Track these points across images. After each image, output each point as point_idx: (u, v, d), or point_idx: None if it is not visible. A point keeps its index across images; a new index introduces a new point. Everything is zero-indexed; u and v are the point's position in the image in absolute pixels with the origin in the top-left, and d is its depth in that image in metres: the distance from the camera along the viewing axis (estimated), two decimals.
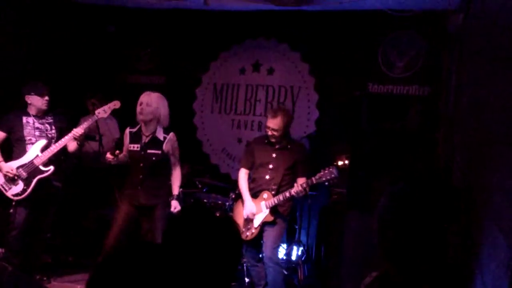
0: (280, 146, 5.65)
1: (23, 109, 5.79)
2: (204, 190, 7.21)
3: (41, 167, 5.67)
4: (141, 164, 5.56)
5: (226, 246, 2.05)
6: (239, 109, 8.10)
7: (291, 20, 7.34)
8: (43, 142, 5.73)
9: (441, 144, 5.94)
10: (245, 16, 7.33)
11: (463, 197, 3.96)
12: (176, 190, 5.70)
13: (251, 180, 5.84)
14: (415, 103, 6.83)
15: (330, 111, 7.56)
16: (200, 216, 2.12)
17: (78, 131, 5.58)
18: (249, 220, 5.64)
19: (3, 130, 5.73)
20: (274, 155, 5.66)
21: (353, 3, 5.97)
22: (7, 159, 5.70)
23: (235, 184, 6.30)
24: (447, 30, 5.96)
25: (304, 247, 6.99)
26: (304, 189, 5.40)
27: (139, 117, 5.57)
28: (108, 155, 5.51)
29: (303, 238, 7.17)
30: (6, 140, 5.77)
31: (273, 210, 5.56)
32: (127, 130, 5.74)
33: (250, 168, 5.86)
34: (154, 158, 5.56)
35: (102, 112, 5.74)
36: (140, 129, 5.64)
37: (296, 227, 6.99)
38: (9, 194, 5.61)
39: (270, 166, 5.64)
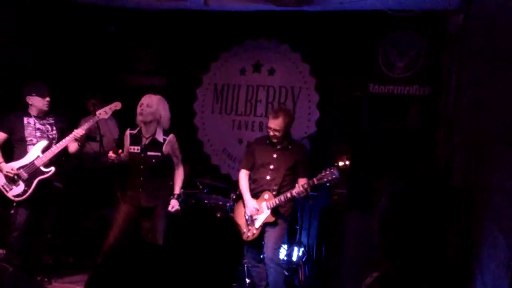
0: (281, 147, 5.65)
1: (24, 109, 5.79)
2: (205, 191, 7.22)
3: (42, 168, 5.67)
4: (142, 166, 5.57)
5: (227, 247, 2.05)
6: (240, 109, 8.10)
7: (292, 20, 7.34)
8: (44, 143, 5.73)
9: (441, 144, 5.94)
10: (245, 17, 7.34)
11: (463, 197, 3.96)
12: (177, 189, 5.71)
13: (252, 180, 5.84)
14: (415, 103, 6.83)
15: (330, 111, 7.56)
16: (201, 217, 2.12)
17: (79, 132, 5.58)
18: (250, 221, 5.64)
19: (4, 131, 5.73)
20: (275, 155, 5.66)
21: (354, 4, 5.98)
22: (8, 160, 5.70)
23: (235, 185, 6.30)
24: (447, 30, 5.96)
25: (305, 248, 6.99)
26: (305, 189, 5.40)
27: (139, 118, 5.57)
28: (111, 154, 5.50)
29: (304, 239, 7.18)
30: (7, 141, 5.77)
31: (274, 210, 5.56)
32: (127, 132, 5.74)
33: (250, 168, 5.87)
34: (154, 160, 5.56)
35: (103, 113, 5.74)
36: (140, 131, 5.65)
37: (297, 227, 6.99)
38: (10, 195, 5.61)
39: (271, 167, 5.65)
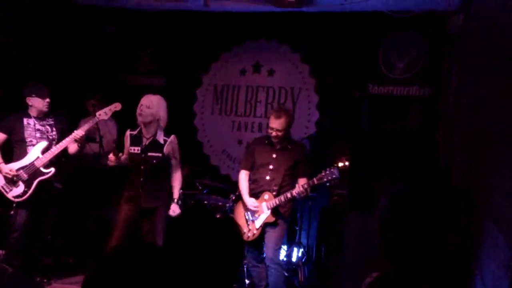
0: (280, 147, 5.65)
1: (24, 110, 5.78)
2: (205, 191, 7.21)
3: (42, 169, 5.66)
4: (142, 167, 5.55)
5: (227, 247, 2.05)
6: (240, 110, 8.11)
7: (292, 21, 7.35)
8: (44, 143, 5.73)
9: (441, 145, 5.94)
10: (245, 17, 7.34)
11: (463, 197, 3.95)
12: (176, 193, 5.69)
13: (251, 181, 5.84)
14: (415, 104, 6.83)
15: (330, 112, 7.56)
16: (201, 218, 2.12)
17: (79, 133, 5.58)
18: (250, 221, 5.64)
19: (3, 132, 5.73)
20: (274, 155, 5.66)
21: (354, 5, 5.98)
22: (8, 160, 5.70)
23: (235, 185, 6.30)
24: (447, 31, 5.96)
25: (304, 249, 6.99)
26: (305, 189, 5.40)
27: (139, 119, 5.57)
28: (111, 156, 5.50)
29: (304, 240, 7.18)
30: (6, 141, 5.76)
31: (274, 211, 5.56)
32: (128, 133, 5.73)
33: (250, 169, 5.86)
34: (154, 161, 5.56)
35: (103, 114, 5.73)
36: (140, 131, 5.64)
37: (297, 228, 6.99)
38: (9, 195, 5.61)
39: (271, 167, 5.64)
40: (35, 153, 5.67)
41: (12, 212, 5.62)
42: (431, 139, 6.15)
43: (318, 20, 7.12)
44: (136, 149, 5.60)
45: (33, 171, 5.63)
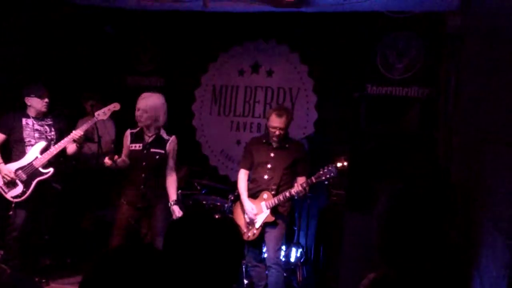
0: (278, 146, 5.65)
1: (23, 110, 5.78)
2: (203, 192, 7.21)
3: (41, 169, 5.66)
4: (144, 163, 5.52)
5: (228, 248, 2.05)
6: (238, 110, 8.10)
7: (291, 21, 7.34)
8: (42, 144, 5.73)
9: (440, 145, 5.94)
10: (244, 18, 7.33)
11: (461, 198, 3.96)
12: (174, 195, 5.59)
13: (250, 180, 5.84)
14: (414, 105, 6.83)
15: (329, 112, 7.56)
16: (201, 219, 2.11)
17: (77, 133, 5.57)
18: (250, 221, 5.64)
19: (2, 132, 5.72)
20: (272, 154, 5.66)
21: (353, 5, 5.97)
22: (6, 161, 5.70)
23: (234, 186, 6.30)
24: (446, 31, 5.96)
25: (303, 249, 6.99)
26: (304, 188, 5.41)
27: (138, 123, 5.59)
28: (106, 160, 5.46)
29: (302, 240, 7.17)
30: (5, 141, 5.76)
31: (274, 210, 5.56)
32: (128, 132, 5.71)
33: (249, 168, 5.87)
34: (157, 157, 5.54)
35: (102, 114, 5.73)
36: (142, 129, 5.64)
37: (295, 228, 6.99)
38: (8, 196, 5.60)
39: (269, 166, 5.65)
40: (33, 153, 5.67)
41: (11, 213, 5.61)
42: (430, 139, 6.15)
43: (317, 20, 7.12)
44: (138, 146, 5.58)
45: (31, 171, 5.62)
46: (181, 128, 6.65)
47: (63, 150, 5.76)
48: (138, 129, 5.66)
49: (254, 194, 5.69)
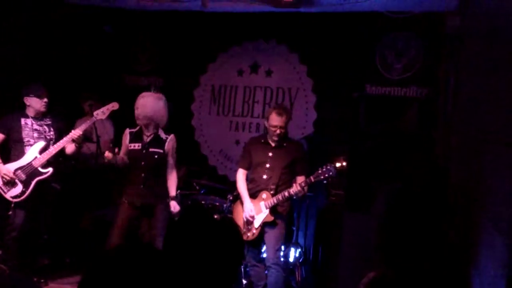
0: (276, 145, 5.65)
1: (22, 110, 5.78)
2: (202, 191, 7.21)
3: (40, 169, 5.65)
4: (143, 163, 5.54)
5: (228, 248, 2.05)
6: (237, 110, 8.10)
7: (290, 22, 7.35)
8: (41, 143, 5.72)
9: (439, 145, 5.95)
10: (243, 18, 7.33)
11: (460, 198, 3.96)
12: (173, 191, 5.67)
13: (249, 180, 5.84)
14: (413, 105, 6.83)
15: (328, 112, 7.57)
16: (201, 219, 2.12)
17: (76, 132, 5.57)
18: (249, 221, 5.64)
19: (1, 132, 5.71)
20: (270, 154, 5.65)
21: (352, 5, 5.97)
22: (5, 161, 5.69)
23: (232, 186, 6.30)
24: (445, 31, 5.97)
25: (301, 249, 6.99)
26: (303, 188, 5.40)
27: (137, 122, 5.60)
28: (107, 153, 5.45)
29: (301, 240, 7.17)
30: (4, 141, 5.75)
31: (273, 210, 5.55)
32: (127, 131, 5.72)
33: (248, 168, 5.86)
34: (156, 156, 5.55)
35: (101, 113, 5.73)
36: (141, 129, 5.65)
37: (294, 228, 6.99)
38: (7, 196, 5.59)
39: (267, 165, 5.64)
40: (32, 153, 5.66)
41: (10, 212, 5.61)
42: (429, 139, 6.16)
43: (316, 20, 7.12)
44: (137, 145, 5.59)
45: (31, 171, 5.62)
46: (180, 128, 6.64)
47: (62, 150, 5.75)
48: (137, 128, 5.66)
49: (253, 194, 5.68)
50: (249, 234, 5.62)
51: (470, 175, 4.07)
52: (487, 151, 3.50)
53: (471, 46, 4.80)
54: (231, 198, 6.45)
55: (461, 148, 4.73)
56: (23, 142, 5.70)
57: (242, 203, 5.74)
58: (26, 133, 5.72)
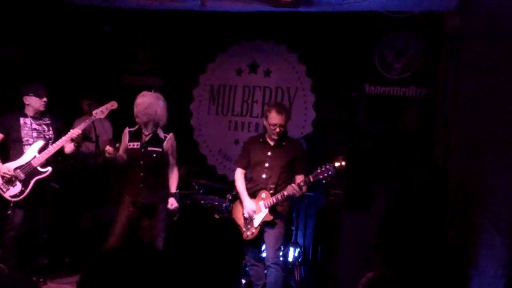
0: (275, 144, 5.65)
1: (21, 110, 5.77)
2: (201, 191, 7.20)
3: (39, 168, 5.65)
4: (142, 162, 5.54)
5: (228, 248, 2.05)
6: (236, 110, 8.10)
7: (289, 21, 7.34)
8: (40, 143, 5.71)
9: (438, 145, 5.95)
10: (242, 17, 7.33)
11: (460, 198, 3.96)
12: (174, 189, 5.69)
13: (248, 180, 5.83)
14: (412, 104, 6.84)
15: (327, 112, 7.57)
16: (201, 219, 2.11)
17: (75, 132, 5.57)
18: (248, 220, 5.63)
19: (0, 132, 5.71)
20: (269, 153, 5.65)
21: (351, 5, 5.97)
22: (4, 160, 5.69)
23: (231, 185, 6.29)
24: (444, 31, 5.97)
25: (300, 248, 6.99)
26: (300, 188, 5.39)
27: (136, 120, 5.59)
28: (108, 147, 5.43)
29: (300, 239, 7.17)
30: (3, 141, 5.75)
31: (272, 209, 5.55)
32: (126, 130, 5.72)
33: (246, 167, 5.86)
34: (154, 155, 5.55)
35: (100, 112, 5.73)
36: (140, 128, 5.65)
37: (293, 228, 6.99)
38: (7, 195, 5.59)
39: (266, 165, 5.63)
40: (31, 153, 5.66)
41: (9, 212, 5.60)
42: (428, 139, 6.16)
43: (315, 20, 7.12)
44: (136, 144, 5.59)
45: (30, 171, 5.61)
46: (179, 128, 6.64)
47: (61, 149, 5.75)
48: (136, 127, 5.67)
49: (252, 194, 5.67)
50: (248, 233, 5.62)
51: (470, 175, 4.06)
52: (487, 151, 3.50)
53: (471, 46, 4.79)
54: (230, 197, 6.45)
55: (460, 148, 4.72)
56: (22, 142, 5.69)
57: (241, 203, 5.74)
58: (25, 133, 5.71)
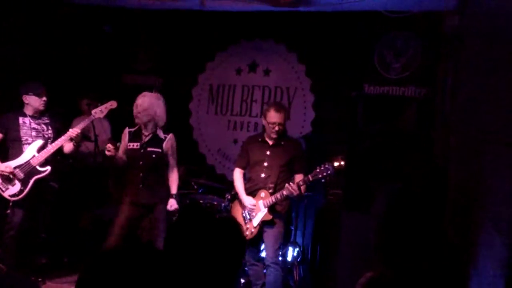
0: (274, 143, 5.65)
1: (19, 109, 5.77)
2: (200, 191, 7.20)
3: (38, 168, 5.64)
4: (141, 162, 5.55)
5: (229, 247, 2.05)
6: (235, 110, 8.11)
7: (288, 21, 7.34)
8: (39, 142, 5.71)
9: (437, 145, 5.94)
10: (242, 17, 7.33)
11: (460, 198, 3.96)
12: (174, 190, 5.69)
13: (247, 179, 5.83)
14: (411, 104, 6.83)
15: (326, 112, 7.57)
16: (202, 218, 2.11)
17: (74, 131, 5.57)
18: (248, 220, 5.63)
19: None
20: (268, 152, 5.65)
21: (351, 4, 5.96)
22: (3, 160, 5.68)
23: (231, 185, 6.29)
24: (444, 31, 5.97)
25: (299, 248, 6.99)
26: (299, 187, 5.38)
27: (136, 120, 5.59)
28: (109, 145, 5.42)
29: (299, 239, 7.17)
30: (2, 140, 5.74)
31: (271, 208, 5.55)
32: (126, 130, 5.72)
33: (244, 167, 5.86)
34: (154, 156, 5.55)
35: (99, 112, 5.73)
36: (139, 128, 5.65)
37: (292, 227, 6.99)
38: (6, 194, 5.58)
39: (265, 164, 5.63)
40: (30, 152, 5.66)
41: (8, 211, 5.59)
42: (427, 139, 6.16)
43: (315, 19, 7.12)
44: (135, 145, 5.59)
45: (29, 170, 5.61)
46: (178, 127, 6.63)
47: (60, 149, 5.75)
48: (136, 127, 5.66)
49: (251, 193, 5.67)
50: (247, 233, 5.62)
51: (470, 175, 4.06)
52: (487, 151, 3.50)
53: (470, 46, 4.79)
54: (229, 197, 6.45)
55: (460, 148, 4.72)
56: (21, 141, 5.69)
57: (240, 203, 5.74)
58: (24, 132, 5.71)
